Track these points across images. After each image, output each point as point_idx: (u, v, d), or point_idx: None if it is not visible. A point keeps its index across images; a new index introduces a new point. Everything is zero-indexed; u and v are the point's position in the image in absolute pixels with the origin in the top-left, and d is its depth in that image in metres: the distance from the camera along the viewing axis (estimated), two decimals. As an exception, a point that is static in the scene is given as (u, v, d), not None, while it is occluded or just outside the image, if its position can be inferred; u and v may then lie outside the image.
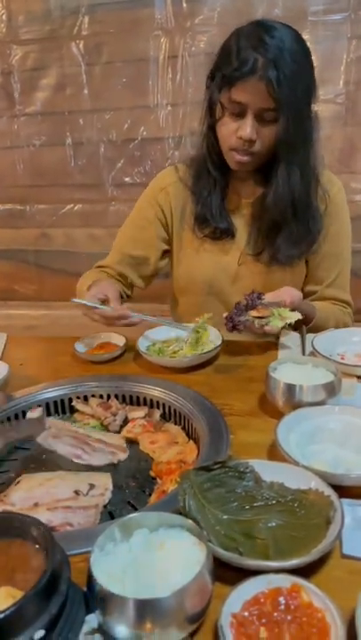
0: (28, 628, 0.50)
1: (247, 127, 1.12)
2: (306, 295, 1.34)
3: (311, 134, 1.17)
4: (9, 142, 2.34)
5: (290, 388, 0.93)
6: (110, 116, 2.21)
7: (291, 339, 1.22)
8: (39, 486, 0.85)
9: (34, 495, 0.83)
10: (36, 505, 0.81)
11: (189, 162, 1.35)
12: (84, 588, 0.58)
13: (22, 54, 2.22)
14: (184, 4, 2.04)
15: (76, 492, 0.84)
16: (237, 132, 1.13)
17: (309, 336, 1.19)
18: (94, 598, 0.54)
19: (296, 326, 1.16)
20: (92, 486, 0.85)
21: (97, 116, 2.23)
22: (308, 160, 1.19)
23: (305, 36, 1.92)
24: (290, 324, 1.10)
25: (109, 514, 0.82)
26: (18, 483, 0.87)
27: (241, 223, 1.32)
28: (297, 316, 1.09)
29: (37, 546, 0.59)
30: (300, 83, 1.08)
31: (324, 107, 2.04)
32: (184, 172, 1.35)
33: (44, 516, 0.78)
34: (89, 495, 0.83)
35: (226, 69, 1.10)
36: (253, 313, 1.09)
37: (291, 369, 1.01)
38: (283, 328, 1.10)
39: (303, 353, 1.15)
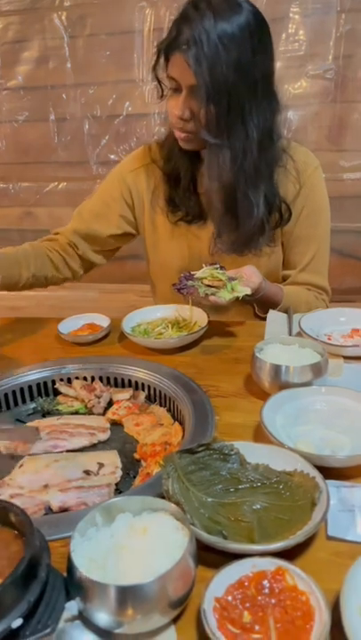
0: (5, 617, 0.48)
1: (179, 104, 1.07)
2: (282, 280, 1.33)
3: (247, 117, 1.07)
4: (-10, 118, 2.27)
5: (276, 369, 0.92)
6: (94, 90, 2.15)
7: (278, 319, 1.20)
8: (46, 467, 0.84)
9: (42, 477, 0.82)
10: (46, 487, 0.80)
11: (162, 142, 1.30)
12: (65, 574, 0.57)
13: (2, 26, 2.14)
14: (170, -25, 1.97)
15: (87, 472, 0.83)
16: (173, 110, 1.10)
17: (296, 316, 1.17)
18: (75, 585, 0.53)
19: (245, 301, 1.15)
20: (101, 465, 0.84)
21: (81, 91, 2.16)
22: (246, 144, 1.09)
23: (294, 9, 1.92)
24: (238, 298, 1.08)
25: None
26: (22, 466, 0.85)
27: (210, 205, 1.27)
28: (246, 290, 1.08)
29: (16, 532, 0.57)
30: (227, 59, 0.99)
31: (312, 82, 2.00)
32: (156, 153, 1.31)
33: (56, 497, 0.78)
34: (100, 474, 0.83)
35: (165, 42, 1.06)
36: (205, 281, 1.08)
37: (277, 349, 1.00)
38: (230, 300, 1.07)
39: (290, 333, 1.14)
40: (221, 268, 1.11)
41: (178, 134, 1.14)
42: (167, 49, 1.05)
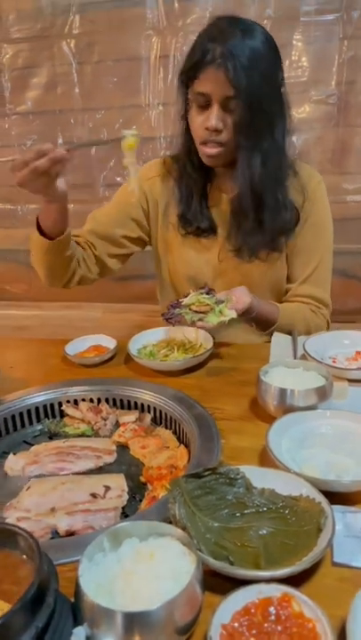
0: (14, 642, 0.49)
1: (212, 117, 1.13)
2: (284, 292, 1.36)
3: (277, 123, 1.17)
4: (0, 142, 2.31)
5: (281, 392, 0.92)
6: (102, 115, 2.19)
7: (282, 341, 1.21)
8: (53, 490, 0.84)
9: (49, 500, 0.82)
10: (53, 510, 0.80)
11: (175, 157, 1.34)
12: (73, 599, 0.57)
13: (13, 53, 2.19)
14: (176, 4, 2.03)
15: (93, 495, 0.83)
16: (204, 124, 1.15)
17: (301, 339, 1.18)
18: (82, 610, 0.54)
19: (241, 321, 1.18)
20: (107, 488, 0.84)
21: (88, 116, 2.21)
22: (274, 148, 1.18)
23: (297, 37, 1.97)
24: (224, 322, 1.10)
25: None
26: (29, 488, 0.85)
27: (222, 219, 1.32)
28: (232, 314, 1.10)
29: (24, 556, 0.58)
30: (259, 71, 1.09)
31: (315, 107, 2.04)
32: (171, 166, 1.36)
33: (63, 520, 0.78)
34: (106, 497, 0.83)
35: (189, 63, 1.14)
36: (193, 307, 1.11)
37: (282, 372, 1.00)
38: (218, 325, 1.10)
39: (295, 356, 1.15)
40: (209, 291, 1.14)
41: (207, 150, 1.19)
42: (197, 68, 1.11)
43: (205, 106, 1.14)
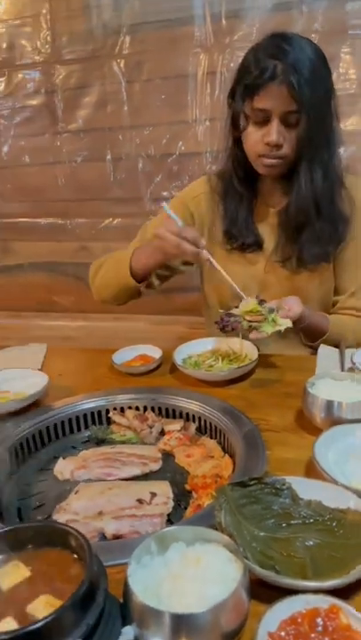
0: (66, 637, 0.50)
1: (273, 132, 1.15)
2: (333, 306, 1.35)
3: (333, 135, 1.20)
4: (51, 158, 2.40)
5: (328, 405, 0.92)
6: (149, 131, 2.25)
7: (328, 354, 1.20)
8: (100, 495, 0.86)
9: (97, 504, 0.84)
10: (100, 513, 0.83)
11: (221, 174, 1.37)
12: (121, 600, 0.58)
13: (66, 74, 2.28)
14: (223, 22, 2.06)
15: (140, 501, 0.85)
16: (264, 139, 1.17)
17: (349, 351, 1.17)
18: (131, 610, 0.55)
19: (285, 334, 1.15)
20: (153, 495, 0.86)
21: (136, 132, 2.26)
22: (331, 160, 1.21)
23: (345, 50, 1.97)
24: (280, 331, 1.10)
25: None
26: (77, 492, 0.88)
27: (268, 232, 1.33)
28: (288, 323, 1.10)
29: (75, 555, 0.59)
30: (319, 84, 1.13)
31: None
32: (216, 184, 1.37)
33: (110, 524, 0.80)
34: (152, 504, 0.84)
35: (248, 80, 1.15)
36: (247, 316, 1.10)
37: (329, 384, 1.00)
38: (272, 333, 1.09)
39: (342, 369, 1.14)
40: (261, 301, 1.13)
41: (267, 161, 1.21)
42: (257, 85, 1.14)
43: (264, 121, 1.16)
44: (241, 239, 1.33)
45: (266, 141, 1.17)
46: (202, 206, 1.39)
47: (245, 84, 1.16)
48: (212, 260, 1.17)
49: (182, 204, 1.41)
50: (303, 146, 1.17)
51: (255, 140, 1.19)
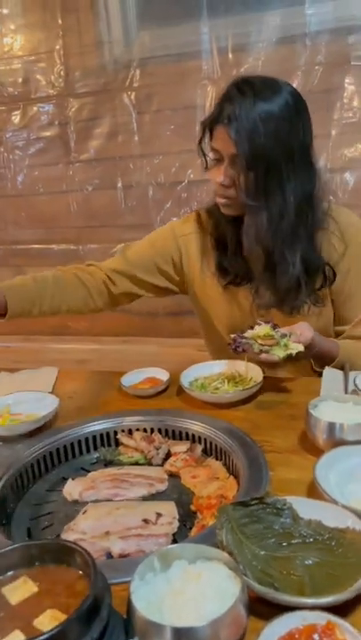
0: (70, 651, 0.52)
1: (220, 173, 1.18)
2: (335, 336, 1.35)
3: (285, 183, 1.16)
4: (64, 187, 2.48)
5: (330, 426, 0.94)
6: (159, 160, 2.32)
7: (333, 376, 1.22)
8: (107, 515, 0.88)
9: (104, 524, 0.86)
10: (107, 533, 0.84)
11: (210, 209, 1.38)
12: (125, 616, 0.60)
13: (78, 106, 2.37)
14: (230, 55, 2.14)
15: (146, 521, 0.87)
16: (215, 178, 1.20)
17: (352, 374, 1.19)
18: (134, 625, 0.57)
19: (298, 357, 1.15)
20: (159, 515, 0.88)
21: (146, 161, 2.33)
22: (283, 208, 1.17)
23: (348, 80, 2.02)
24: (291, 355, 1.11)
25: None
26: (85, 512, 0.90)
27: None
28: (299, 347, 1.11)
29: (81, 572, 0.62)
30: (267, 133, 1.10)
31: (367, 147, 2.08)
32: (205, 220, 1.40)
33: (117, 543, 0.82)
34: (158, 524, 0.86)
35: (208, 118, 1.19)
36: (259, 340, 1.12)
37: (332, 407, 1.01)
38: (284, 358, 1.11)
39: (346, 391, 1.15)
40: (275, 326, 1.15)
41: (218, 200, 1.24)
42: (211, 124, 1.18)
43: (219, 161, 1.19)
44: (233, 271, 1.33)
45: (215, 180, 1.20)
46: (192, 246, 1.40)
47: (206, 122, 1.19)
48: None
49: (173, 239, 1.41)
50: (244, 191, 1.16)
51: (212, 177, 1.22)
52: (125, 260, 1.43)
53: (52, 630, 0.53)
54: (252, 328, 1.17)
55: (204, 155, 1.24)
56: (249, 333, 1.15)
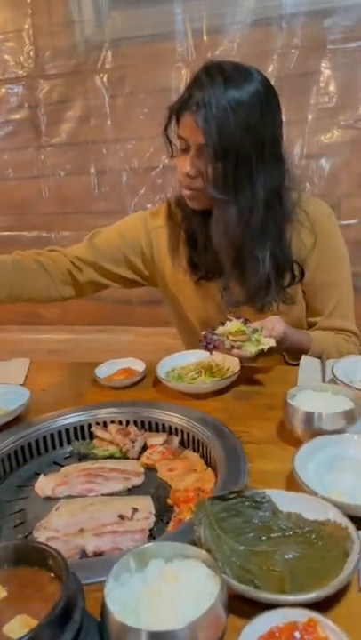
0: (41, 658, 0.50)
1: (187, 163, 1.13)
2: (308, 327, 1.34)
3: (254, 175, 1.11)
4: (35, 172, 2.41)
5: (308, 416, 0.92)
6: (133, 145, 2.27)
7: (311, 365, 1.21)
8: (82, 511, 0.85)
9: (78, 520, 0.83)
10: (81, 530, 0.82)
11: (178, 201, 1.32)
12: (99, 619, 0.58)
13: (48, 88, 2.30)
14: (204, 37, 2.10)
15: (121, 517, 0.84)
16: (181, 168, 1.15)
17: (329, 362, 1.18)
18: (108, 629, 0.54)
19: (270, 352, 1.13)
20: (135, 510, 0.85)
21: (120, 146, 2.28)
22: (253, 201, 1.13)
23: (324, 64, 2.00)
24: (263, 350, 1.09)
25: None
26: (58, 509, 0.87)
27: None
28: (271, 342, 1.09)
29: (52, 574, 0.59)
30: (236, 121, 1.05)
31: (343, 132, 2.06)
32: (175, 212, 1.34)
33: (91, 541, 0.79)
34: (134, 519, 0.84)
35: (176, 105, 1.13)
36: (230, 336, 1.10)
37: (310, 396, 1.00)
38: (255, 353, 1.09)
39: (323, 380, 1.14)
40: (246, 321, 1.13)
41: (184, 192, 1.19)
42: (178, 110, 1.12)
43: (186, 149, 1.13)
44: (203, 265, 1.29)
45: (181, 170, 1.15)
46: (163, 240, 1.35)
47: (174, 109, 1.13)
48: None
49: (145, 231, 1.36)
50: (211, 183, 1.10)
51: (178, 167, 1.16)
52: (92, 247, 1.37)
53: (22, 637, 0.50)
54: (222, 324, 1.14)
55: (170, 142, 1.18)
56: (220, 330, 1.13)
